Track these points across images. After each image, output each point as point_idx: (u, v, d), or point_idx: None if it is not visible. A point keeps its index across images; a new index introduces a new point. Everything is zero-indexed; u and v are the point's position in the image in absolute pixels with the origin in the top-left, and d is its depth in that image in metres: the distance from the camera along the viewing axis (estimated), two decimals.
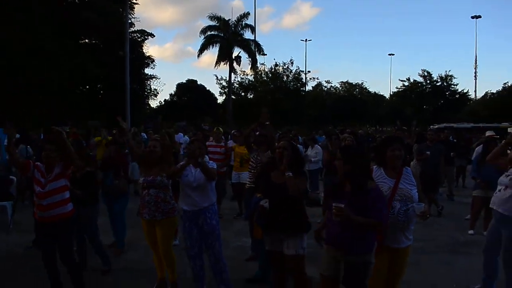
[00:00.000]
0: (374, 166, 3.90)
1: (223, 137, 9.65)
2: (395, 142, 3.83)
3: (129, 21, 28.58)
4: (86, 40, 31.94)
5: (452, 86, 45.89)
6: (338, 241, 3.47)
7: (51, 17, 24.90)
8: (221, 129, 9.57)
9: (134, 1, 33.05)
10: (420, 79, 46.70)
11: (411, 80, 47.61)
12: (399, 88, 49.79)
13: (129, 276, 5.45)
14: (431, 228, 7.62)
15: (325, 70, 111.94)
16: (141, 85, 34.95)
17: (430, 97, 45.14)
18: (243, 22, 40.18)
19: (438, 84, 45.64)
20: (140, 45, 33.48)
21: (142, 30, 34.01)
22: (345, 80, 64.94)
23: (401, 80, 49.02)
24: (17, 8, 21.95)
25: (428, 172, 9.12)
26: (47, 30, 23.47)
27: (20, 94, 20.27)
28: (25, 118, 20.96)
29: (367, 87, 61.88)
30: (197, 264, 4.64)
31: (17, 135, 13.06)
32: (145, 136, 13.53)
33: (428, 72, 46.04)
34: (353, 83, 63.45)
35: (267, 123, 5.32)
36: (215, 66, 40.64)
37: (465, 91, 46.36)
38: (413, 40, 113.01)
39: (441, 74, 45.62)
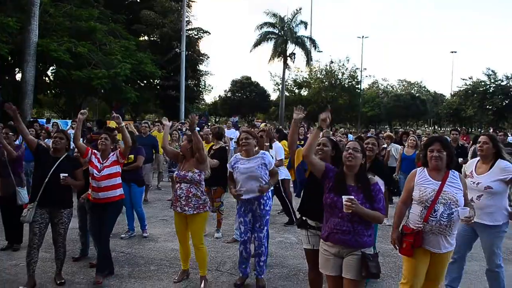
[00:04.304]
0: (419, 168, 3.81)
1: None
2: (435, 142, 3.67)
3: (187, 19, 29.40)
4: (146, 38, 33.18)
5: None
6: (345, 237, 3.37)
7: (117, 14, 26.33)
8: (269, 125, 9.70)
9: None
10: (484, 78, 44.37)
11: (474, 79, 45.37)
12: (461, 87, 47.63)
13: (155, 264, 5.67)
14: None
15: (382, 67, 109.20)
16: (196, 81, 35.82)
17: (494, 97, 42.72)
18: (298, 18, 39.99)
19: (503, 83, 43.11)
20: (196, 42, 34.31)
21: (198, 27, 34.90)
22: (402, 78, 63.07)
23: (463, 79, 46.90)
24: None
25: None
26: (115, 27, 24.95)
27: (83, 86, 21.45)
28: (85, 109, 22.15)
29: (426, 86, 59.60)
30: (248, 248, 4.86)
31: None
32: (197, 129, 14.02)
33: (493, 71, 43.66)
34: (412, 81, 61.46)
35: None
36: (269, 61, 40.91)
37: None
38: (478, 37, 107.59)
39: (506, 73, 43.08)
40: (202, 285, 4.81)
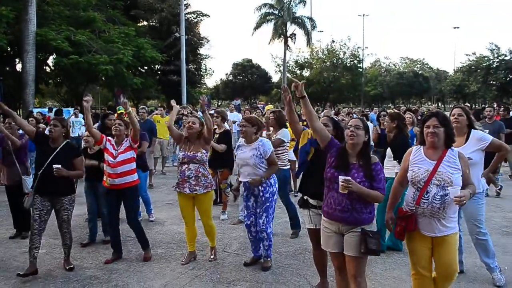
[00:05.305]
0: (415, 146, 3.61)
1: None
2: (431, 117, 3.40)
3: (185, 2, 29.10)
4: (145, 23, 32.93)
5: None
6: (343, 215, 3.36)
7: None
8: (272, 108, 9.70)
9: None
10: (488, 53, 43.82)
11: (477, 54, 44.84)
12: (464, 63, 47.15)
13: (162, 247, 5.74)
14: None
15: (384, 45, 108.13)
16: (197, 65, 35.65)
17: (498, 72, 42.26)
18: None
19: (507, 58, 42.56)
20: (195, 25, 34.06)
21: (197, 11, 34.60)
22: (405, 56, 62.57)
23: (467, 55, 46.43)
24: None
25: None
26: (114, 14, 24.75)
27: (84, 74, 21.38)
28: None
29: (429, 63, 59.18)
30: (252, 232, 4.92)
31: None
32: (201, 114, 13.97)
33: (496, 45, 43.07)
34: (414, 59, 60.98)
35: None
36: (269, 43, 40.67)
37: None
38: (481, 11, 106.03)
39: (510, 48, 42.43)
40: (212, 255, 5.11)
